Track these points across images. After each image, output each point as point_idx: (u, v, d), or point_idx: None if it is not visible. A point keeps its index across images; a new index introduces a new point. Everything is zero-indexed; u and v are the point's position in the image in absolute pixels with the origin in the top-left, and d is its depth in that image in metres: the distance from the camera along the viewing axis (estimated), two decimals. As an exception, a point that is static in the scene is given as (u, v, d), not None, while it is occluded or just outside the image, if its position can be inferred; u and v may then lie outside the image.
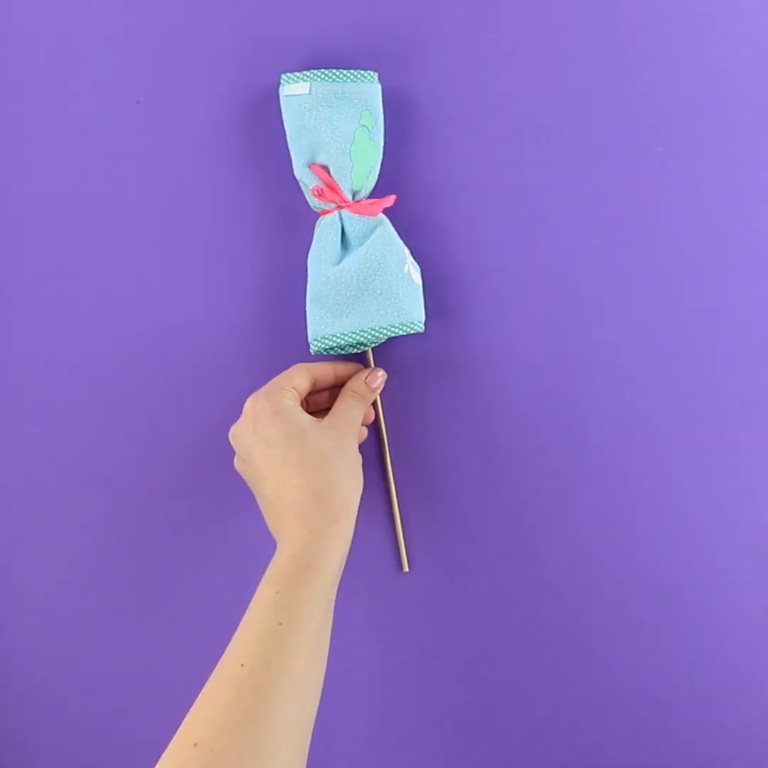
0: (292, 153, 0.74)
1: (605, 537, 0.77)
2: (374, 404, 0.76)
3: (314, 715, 0.59)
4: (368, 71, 0.74)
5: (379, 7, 0.77)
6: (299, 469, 0.63)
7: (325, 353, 0.73)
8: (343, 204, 0.73)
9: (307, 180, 0.74)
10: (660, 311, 0.76)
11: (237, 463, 0.69)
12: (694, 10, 0.76)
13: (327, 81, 0.73)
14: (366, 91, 0.74)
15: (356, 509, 0.65)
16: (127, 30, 0.77)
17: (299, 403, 0.67)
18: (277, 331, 0.77)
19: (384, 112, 0.75)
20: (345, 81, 0.73)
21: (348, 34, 0.77)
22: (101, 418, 0.76)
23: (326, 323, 0.73)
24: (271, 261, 0.77)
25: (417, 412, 0.76)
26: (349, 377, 0.73)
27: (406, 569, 0.76)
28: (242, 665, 0.55)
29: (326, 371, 0.72)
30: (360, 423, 0.70)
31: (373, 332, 0.73)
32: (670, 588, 0.77)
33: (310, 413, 0.69)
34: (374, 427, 0.77)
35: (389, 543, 0.77)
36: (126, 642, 0.76)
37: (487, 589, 0.77)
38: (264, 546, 0.66)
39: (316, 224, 0.74)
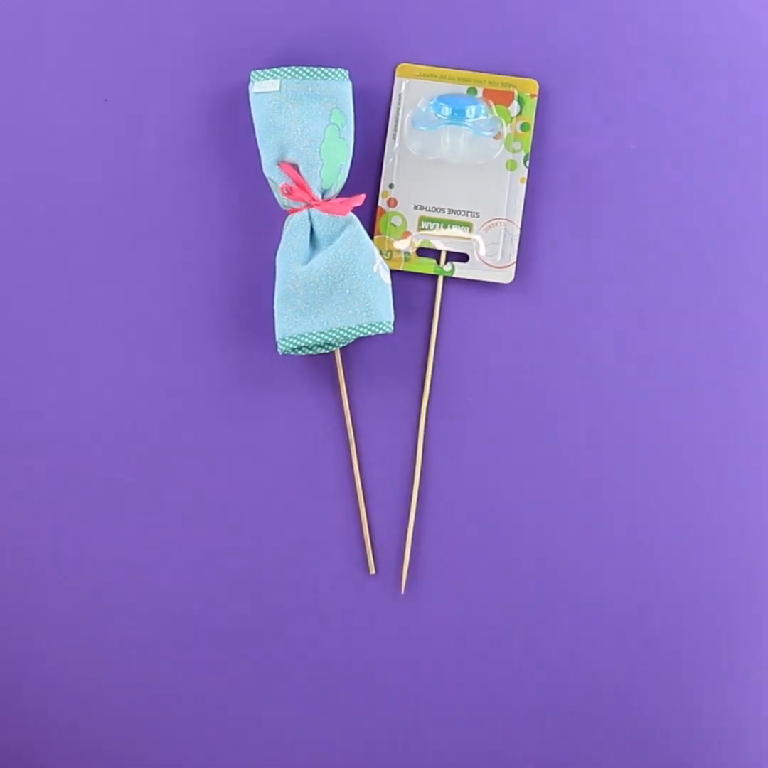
0: (261, 151, 0.73)
1: (575, 529, 0.77)
2: (341, 404, 0.75)
3: None
4: (339, 69, 0.73)
5: (351, 4, 0.77)
6: None
7: (292, 353, 0.72)
8: (313, 202, 0.72)
9: (276, 178, 0.73)
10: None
11: None
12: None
13: (297, 78, 0.72)
14: (336, 89, 0.73)
15: None
16: (95, 26, 0.76)
17: None
18: (245, 331, 0.76)
19: (354, 111, 0.74)
20: (315, 79, 0.72)
21: (319, 31, 0.77)
22: (63, 423, 0.75)
23: (294, 323, 0.72)
24: (239, 259, 0.76)
25: (385, 412, 0.76)
26: None
27: (373, 571, 0.75)
28: None
29: None
30: None
31: (341, 332, 0.72)
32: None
33: None
34: (342, 427, 0.76)
35: (356, 545, 0.76)
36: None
37: (455, 590, 0.76)
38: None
39: (285, 223, 0.73)
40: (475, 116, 0.75)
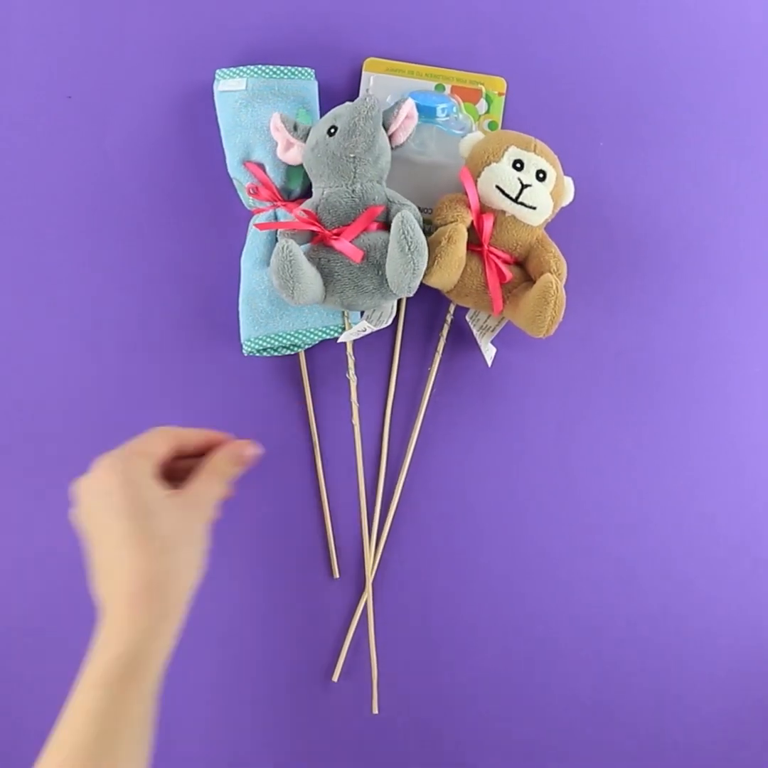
0: (226, 150, 0.73)
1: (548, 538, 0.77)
2: (305, 406, 0.75)
3: None
4: (305, 68, 0.72)
5: (317, 3, 0.75)
6: (136, 552, 0.55)
7: (257, 354, 0.72)
8: (279, 202, 0.72)
9: (241, 178, 0.72)
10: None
11: (74, 516, 0.59)
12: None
13: (263, 77, 0.71)
14: (303, 88, 0.72)
15: (188, 603, 0.57)
16: (59, 24, 0.75)
17: (154, 473, 0.58)
18: (210, 331, 0.75)
19: (321, 107, 0.73)
20: (281, 77, 0.72)
21: (285, 26, 0.76)
22: (25, 423, 0.75)
23: (259, 324, 0.71)
24: (203, 260, 0.75)
25: (349, 415, 0.75)
26: (219, 444, 0.65)
27: (337, 576, 0.75)
28: None
29: (193, 439, 0.63)
30: (216, 504, 0.61)
31: (306, 334, 0.72)
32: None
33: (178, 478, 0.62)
34: (307, 430, 0.76)
35: (320, 549, 0.76)
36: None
37: (419, 595, 0.76)
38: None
39: (250, 223, 0.73)
40: (446, 114, 0.74)
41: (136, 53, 0.75)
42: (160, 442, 0.61)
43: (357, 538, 0.75)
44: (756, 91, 0.78)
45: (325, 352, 0.73)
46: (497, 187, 0.67)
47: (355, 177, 0.67)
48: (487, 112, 0.75)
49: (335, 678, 0.74)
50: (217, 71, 0.72)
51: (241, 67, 0.71)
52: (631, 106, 0.77)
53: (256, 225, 0.71)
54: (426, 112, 0.74)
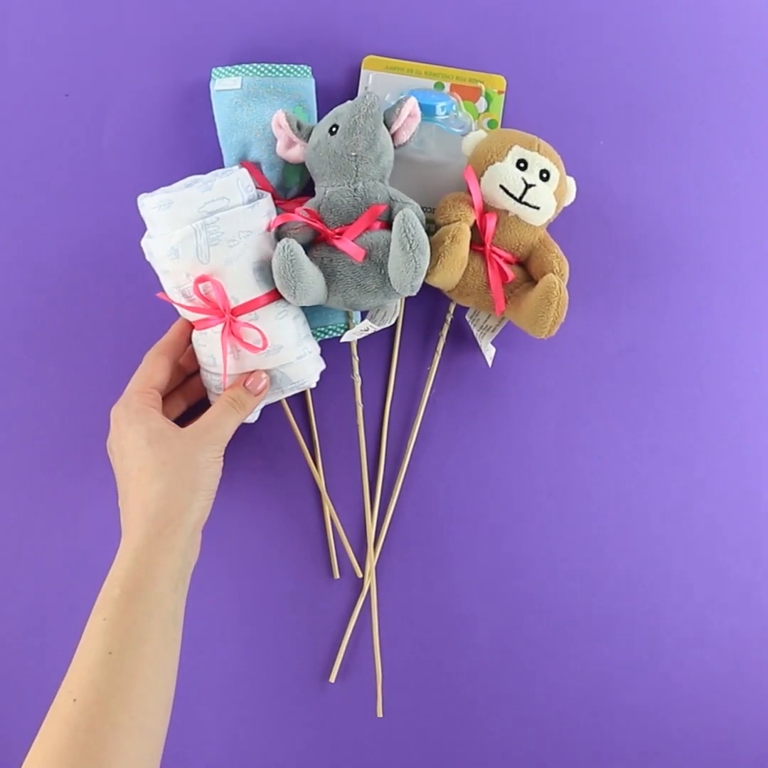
0: (223, 149, 0.72)
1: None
2: (306, 408, 0.75)
3: (160, 744, 0.56)
4: (301, 65, 0.72)
5: (316, 0, 0.75)
6: (135, 480, 0.61)
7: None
8: (276, 202, 0.71)
9: (238, 177, 0.72)
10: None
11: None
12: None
13: (259, 76, 0.70)
14: (299, 85, 0.72)
15: (192, 523, 0.61)
16: (56, 22, 0.75)
17: (159, 405, 0.65)
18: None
19: (319, 105, 0.73)
20: (277, 75, 0.71)
21: (283, 27, 0.75)
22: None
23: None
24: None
25: (351, 416, 0.75)
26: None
27: (337, 576, 0.75)
28: (75, 700, 0.52)
29: (180, 344, 0.68)
30: (230, 433, 0.65)
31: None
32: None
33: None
34: (306, 430, 0.75)
35: (321, 550, 0.75)
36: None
37: (419, 595, 0.76)
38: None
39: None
40: (445, 113, 0.74)
41: (133, 51, 0.75)
42: (156, 370, 0.66)
43: (357, 538, 0.75)
44: (758, 89, 0.78)
45: (325, 352, 0.72)
46: (501, 186, 0.67)
47: (356, 176, 0.66)
48: (487, 110, 0.75)
49: (332, 678, 0.74)
50: (213, 70, 0.71)
51: (236, 66, 0.71)
52: (631, 105, 0.77)
53: None
54: (425, 111, 0.73)
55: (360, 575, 0.74)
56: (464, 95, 0.75)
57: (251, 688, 0.75)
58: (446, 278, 0.67)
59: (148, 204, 0.64)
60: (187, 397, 0.71)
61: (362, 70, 0.75)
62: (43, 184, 0.75)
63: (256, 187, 0.70)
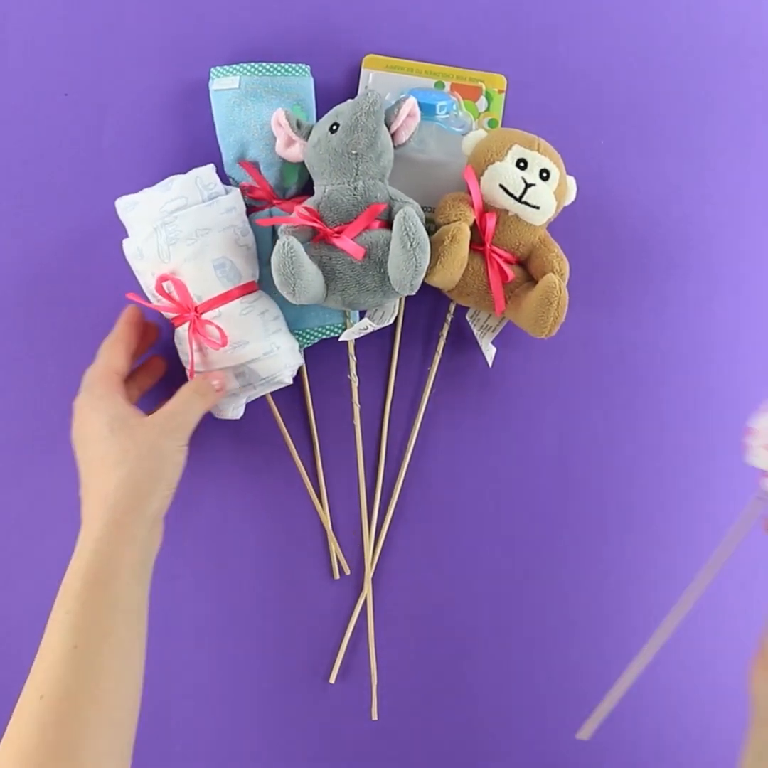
0: (221, 149, 0.72)
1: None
2: (305, 410, 0.74)
3: (131, 738, 0.55)
4: (300, 64, 0.71)
5: (313, -1, 0.75)
6: (95, 469, 0.60)
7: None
8: (274, 201, 0.71)
9: (237, 176, 0.72)
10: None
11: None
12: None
13: (257, 75, 0.70)
14: (298, 85, 0.71)
15: (152, 513, 0.60)
16: (54, 21, 0.74)
17: (122, 388, 0.64)
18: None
19: (318, 105, 0.72)
20: (276, 75, 0.71)
21: (283, 26, 0.75)
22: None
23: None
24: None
25: (350, 416, 0.75)
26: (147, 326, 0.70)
27: (337, 576, 0.75)
28: (41, 698, 0.52)
29: (133, 331, 0.68)
30: (195, 421, 0.64)
31: (306, 334, 0.72)
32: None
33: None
34: (306, 431, 0.75)
35: (321, 550, 0.75)
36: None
37: (418, 596, 0.76)
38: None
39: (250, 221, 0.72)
40: (445, 112, 0.73)
41: (133, 51, 0.74)
42: (115, 355, 0.65)
43: (357, 538, 0.75)
44: (760, 88, 0.78)
45: (325, 352, 0.72)
46: (501, 186, 0.67)
47: (357, 174, 0.66)
48: (487, 109, 0.74)
49: (332, 679, 0.74)
50: (212, 69, 0.71)
51: (234, 65, 0.70)
52: (632, 104, 0.77)
53: (258, 221, 0.70)
54: (425, 110, 0.72)
55: (357, 574, 0.74)
56: (465, 94, 0.74)
57: (251, 688, 0.75)
58: (446, 278, 0.67)
59: (120, 206, 0.67)
60: (140, 385, 0.70)
61: (362, 69, 0.75)
62: (42, 183, 0.74)
63: (254, 186, 0.70)
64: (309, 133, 0.67)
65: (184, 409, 0.64)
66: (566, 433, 0.76)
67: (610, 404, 0.77)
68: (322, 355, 0.74)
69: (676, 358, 0.77)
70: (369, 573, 0.74)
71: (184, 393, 0.64)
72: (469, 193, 0.68)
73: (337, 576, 0.75)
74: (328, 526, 0.75)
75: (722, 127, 0.77)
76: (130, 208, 0.66)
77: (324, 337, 0.72)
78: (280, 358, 0.67)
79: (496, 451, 0.76)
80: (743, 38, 0.78)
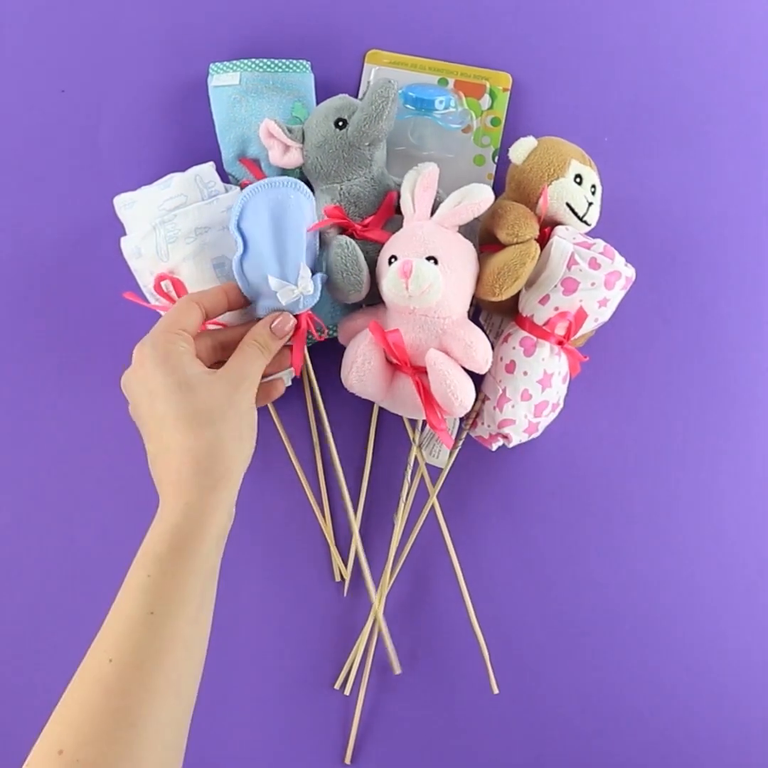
0: (221, 146, 0.71)
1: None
2: (315, 400, 0.73)
3: (191, 709, 0.54)
4: (300, 61, 0.71)
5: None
6: (178, 428, 0.56)
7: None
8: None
9: (237, 174, 0.71)
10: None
11: (130, 411, 0.61)
12: None
13: (257, 71, 0.69)
14: (298, 81, 0.70)
15: (239, 476, 0.58)
16: (52, 18, 0.74)
17: (191, 348, 0.59)
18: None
19: (319, 101, 0.71)
20: (276, 71, 0.70)
21: (284, 21, 0.74)
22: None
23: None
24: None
25: (357, 416, 0.75)
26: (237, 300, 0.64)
27: (338, 579, 0.75)
28: (110, 661, 0.50)
29: (218, 299, 0.63)
30: (258, 377, 0.61)
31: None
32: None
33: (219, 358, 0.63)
34: (307, 430, 0.75)
35: (322, 552, 0.75)
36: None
37: (422, 596, 0.75)
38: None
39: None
40: (444, 108, 0.72)
41: (130, 47, 0.74)
42: (188, 314, 0.60)
43: (373, 543, 0.75)
44: (764, 86, 0.76)
45: (324, 352, 0.71)
46: (567, 204, 0.66)
47: (371, 163, 0.67)
48: (491, 107, 0.73)
49: (337, 685, 0.74)
50: (211, 65, 0.70)
51: (234, 61, 0.70)
52: (636, 102, 0.76)
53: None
54: (424, 105, 0.72)
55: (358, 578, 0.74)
56: (468, 92, 0.73)
57: (256, 692, 0.75)
58: (512, 294, 0.65)
59: (118, 203, 0.67)
60: (216, 348, 0.64)
61: (365, 65, 0.74)
62: (39, 180, 0.74)
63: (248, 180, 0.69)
64: (302, 137, 0.67)
65: (248, 365, 0.60)
66: (570, 435, 0.76)
67: (612, 404, 0.76)
68: (322, 355, 0.74)
69: (682, 358, 0.76)
70: (384, 590, 0.74)
71: (246, 348, 0.61)
72: (536, 209, 0.67)
73: (340, 578, 0.75)
74: (330, 534, 0.75)
75: (727, 124, 0.76)
76: (129, 205, 0.66)
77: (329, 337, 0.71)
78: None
79: (502, 453, 0.75)
80: (747, 35, 0.76)
